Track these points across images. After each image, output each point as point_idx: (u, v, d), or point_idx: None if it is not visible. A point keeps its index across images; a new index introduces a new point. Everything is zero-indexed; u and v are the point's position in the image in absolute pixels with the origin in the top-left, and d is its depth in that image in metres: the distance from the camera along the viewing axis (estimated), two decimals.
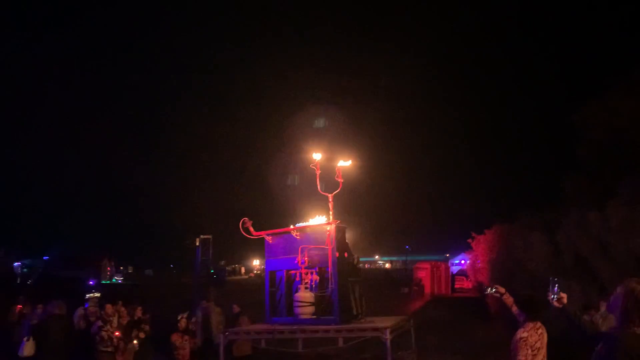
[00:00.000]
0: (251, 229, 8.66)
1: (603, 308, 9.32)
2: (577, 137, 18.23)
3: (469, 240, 23.48)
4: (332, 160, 8.81)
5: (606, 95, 16.79)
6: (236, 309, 9.90)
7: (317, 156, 8.68)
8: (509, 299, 5.02)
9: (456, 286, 37.17)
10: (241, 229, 8.62)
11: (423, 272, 33.82)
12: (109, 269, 57.37)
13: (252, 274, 69.67)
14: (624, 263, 12.13)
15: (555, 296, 3.47)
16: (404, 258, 66.06)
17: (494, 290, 5.09)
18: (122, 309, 9.03)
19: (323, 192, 8.63)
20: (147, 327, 9.29)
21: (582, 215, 13.85)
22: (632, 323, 2.85)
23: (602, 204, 13.46)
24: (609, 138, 16.20)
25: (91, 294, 8.89)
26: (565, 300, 3.45)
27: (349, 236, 8.99)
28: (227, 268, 63.56)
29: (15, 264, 48.26)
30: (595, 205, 13.75)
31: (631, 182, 13.71)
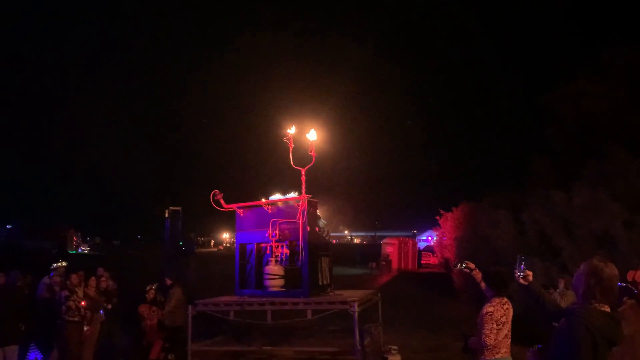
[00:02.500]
0: (222, 201, 8.62)
1: (562, 285, 9.64)
2: (545, 119, 18.57)
3: (437, 218, 23.87)
4: (304, 134, 8.77)
5: (575, 78, 17.08)
6: (168, 281, 9.74)
7: (290, 130, 8.64)
8: (478, 274, 5.12)
9: (423, 262, 37.89)
10: (212, 201, 8.57)
11: (391, 248, 34.28)
12: (75, 239, 56.42)
13: (221, 247, 69.54)
14: (585, 243, 12.51)
15: (522, 273, 3.54)
16: (372, 234, 66.93)
17: (463, 265, 5.17)
18: (93, 278, 8.92)
19: (296, 167, 8.61)
20: (114, 299, 9.22)
21: (547, 195, 14.18)
22: (594, 299, 2.95)
23: (568, 185, 13.80)
24: (577, 121, 16.53)
25: (58, 264, 8.67)
26: (530, 278, 3.54)
27: (320, 211, 9.04)
28: (199, 239, 63.31)
29: None
30: (560, 186, 14.08)
31: (596, 164, 14.07)
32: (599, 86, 15.67)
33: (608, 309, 2.94)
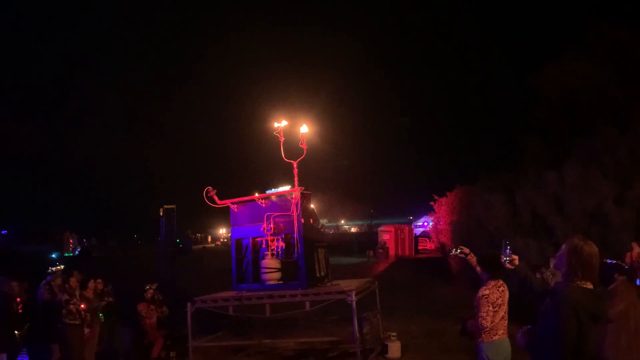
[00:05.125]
0: (215, 197, 8.63)
1: (552, 264, 9.75)
2: (534, 99, 18.65)
3: (432, 203, 23.95)
4: (295, 127, 8.80)
5: (562, 57, 17.15)
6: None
7: (280, 124, 8.66)
8: (473, 259, 5.18)
9: (419, 247, 38.03)
10: (205, 198, 8.58)
11: (387, 235, 34.39)
12: (71, 241, 56.23)
13: (218, 242, 69.59)
14: (578, 220, 12.65)
15: (508, 258, 3.61)
16: (368, 222, 67.06)
17: (458, 250, 5.22)
18: (92, 281, 8.94)
19: (287, 160, 8.63)
20: (109, 299, 9.25)
21: (539, 175, 14.30)
22: (577, 277, 3.03)
23: (559, 164, 13.91)
24: (564, 99, 16.63)
25: (55, 267, 8.67)
26: (517, 262, 3.61)
27: (314, 203, 9.08)
28: (198, 235, 63.29)
29: None
30: (552, 166, 14.19)
31: (584, 142, 14.17)
32: (585, 64, 15.76)
33: (590, 286, 3.02)
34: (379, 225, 40.83)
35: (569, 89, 16.25)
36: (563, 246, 3.14)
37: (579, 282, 3.01)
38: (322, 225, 9.11)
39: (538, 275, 6.67)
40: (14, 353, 7.56)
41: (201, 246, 50.79)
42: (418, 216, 54.55)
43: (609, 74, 15.28)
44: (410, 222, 51.03)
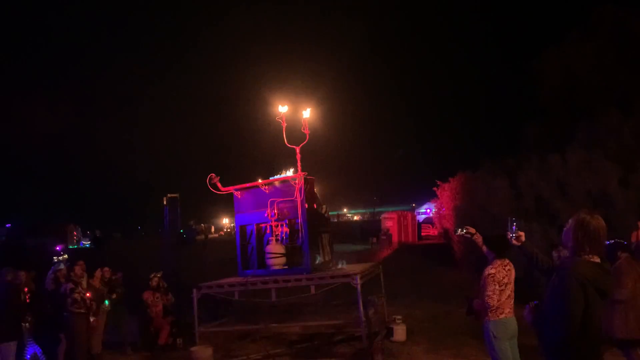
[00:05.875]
0: (219, 184, 8.63)
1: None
2: (537, 84, 18.54)
3: (435, 189, 23.94)
4: (298, 112, 8.77)
5: (565, 40, 17.02)
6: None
7: (283, 109, 8.62)
8: (479, 238, 5.18)
9: (423, 234, 38.08)
10: (209, 185, 8.58)
11: (390, 222, 34.42)
12: (75, 233, 56.41)
13: (222, 232, 69.77)
14: (582, 203, 12.59)
15: (514, 235, 3.61)
16: (371, 210, 67.12)
17: (464, 231, 5.23)
18: (99, 270, 8.99)
19: (290, 145, 8.61)
20: (119, 289, 9.28)
21: (542, 158, 14.24)
22: (583, 251, 3.01)
23: (562, 148, 13.85)
24: (567, 82, 16.52)
25: (60, 257, 8.69)
26: (523, 239, 3.60)
27: (317, 188, 9.08)
28: (202, 225, 63.43)
29: None
30: (555, 149, 14.13)
31: (588, 125, 14.10)
32: (588, 47, 15.64)
33: (598, 260, 3.00)
34: (382, 212, 40.84)
35: (571, 72, 16.15)
36: (569, 221, 3.12)
37: (586, 257, 3.00)
38: (325, 208, 9.11)
39: (555, 254, 6.67)
40: (21, 342, 7.60)
41: (203, 237, 50.83)
42: (421, 203, 54.64)
43: (612, 56, 15.16)
44: (413, 209, 51.09)
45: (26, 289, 7.89)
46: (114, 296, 9.05)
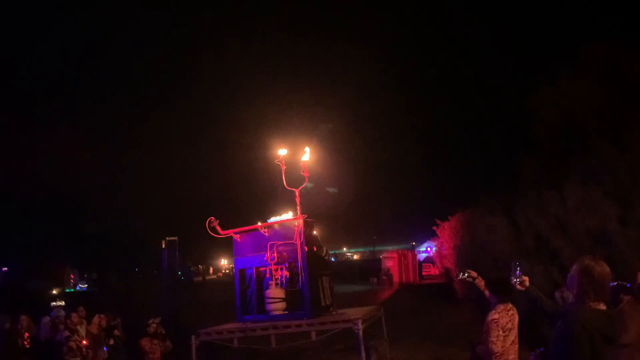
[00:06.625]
0: (218, 228, 8.59)
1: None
2: (531, 120, 18.72)
3: (434, 228, 23.87)
4: (296, 155, 8.83)
5: (557, 78, 17.28)
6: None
7: (282, 152, 8.69)
8: (480, 282, 5.15)
9: (424, 273, 37.74)
10: (208, 229, 8.55)
11: (391, 262, 34.16)
12: (72, 276, 55.85)
13: (220, 274, 69.11)
14: (582, 241, 12.56)
15: (518, 279, 3.59)
16: (371, 249, 66.70)
17: (466, 275, 5.20)
18: (96, 316, 8.88)
19: (289, 187, 8.63)
20: (118, 333, 9.13)
21: (539, 195, 14.26)
22: (588, 298, 2.99)
23: (559, 184, 13.88)
24: (561, 121, 16.69)
25: (55, 303, 8.60)
26: (527, 283, 3.58)
27: (317, 231, 9.04)
28: (200, 266, 62.93)
29: None
30: (552, 185, 14.17)
31: (583, 161, 14.18)
32: (579, 84, 15.86)
33: (604, 307, 2.98)
34: (382, 251, 40.58)
35: (563, 108, 16.34)
36: (574, 267, 3.12)
37: (591, 304, 2.98)
38: (326, 251, 9.05)
39: (557, 295, 6.62)
40: None
41: (201, 278, 50.31)
42: (421, 242, 54.34)
43: (603, 93, 15.37)
44: (413, 248, 50.79)
45: (27, 334, 7.78)
46: (111, 342, 8.91)
